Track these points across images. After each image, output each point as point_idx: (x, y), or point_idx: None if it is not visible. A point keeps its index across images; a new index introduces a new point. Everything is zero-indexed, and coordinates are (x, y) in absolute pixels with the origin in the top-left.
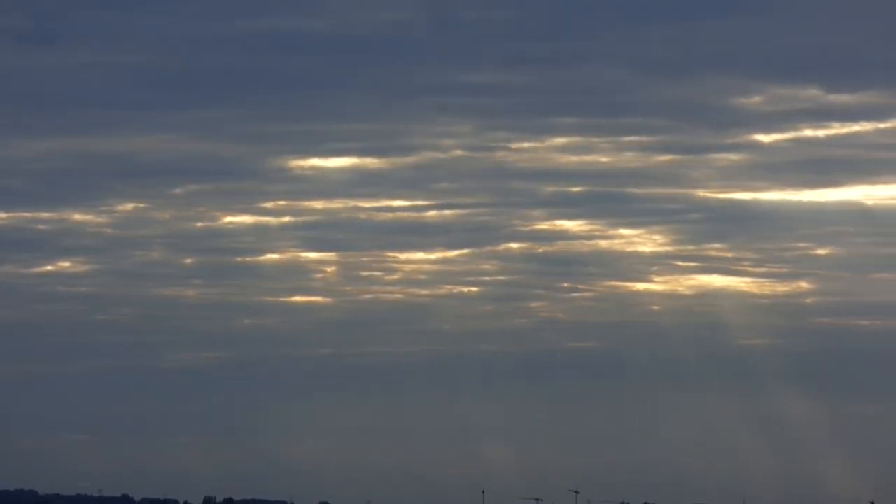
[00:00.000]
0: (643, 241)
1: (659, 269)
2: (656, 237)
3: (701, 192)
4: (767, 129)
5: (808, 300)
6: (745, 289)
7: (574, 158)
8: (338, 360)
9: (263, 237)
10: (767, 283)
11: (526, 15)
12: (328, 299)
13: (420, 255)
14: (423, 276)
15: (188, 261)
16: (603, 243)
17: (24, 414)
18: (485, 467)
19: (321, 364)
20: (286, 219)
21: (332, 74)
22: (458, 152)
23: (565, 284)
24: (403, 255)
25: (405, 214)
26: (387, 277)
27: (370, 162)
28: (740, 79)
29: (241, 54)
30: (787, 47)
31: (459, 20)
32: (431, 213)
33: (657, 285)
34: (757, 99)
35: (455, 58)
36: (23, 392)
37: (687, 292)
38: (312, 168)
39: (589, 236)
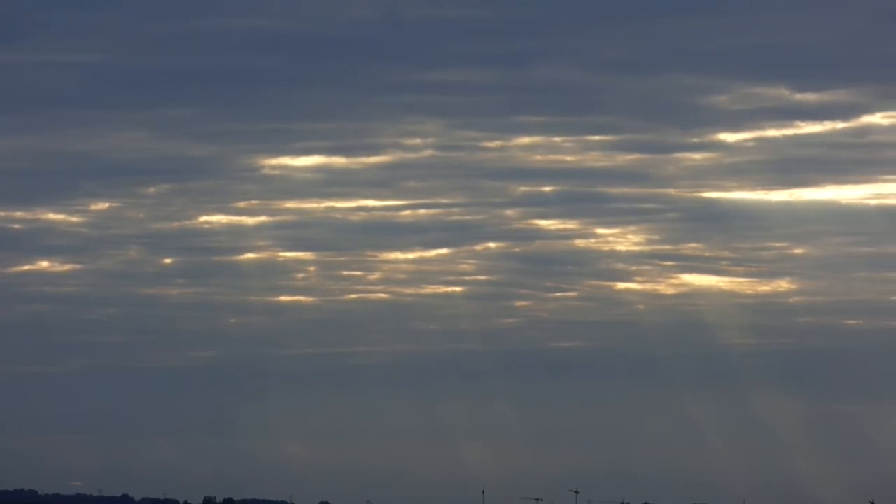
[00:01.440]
0: (619, 240)
1: (641, 268)
2: (631, 237)
3: (673, 192)
4: (735, 129)
5: (791, 300)
6: (727, 287)
7: (545, 157)
8: (334, 360)
9: (241, 237)
10: (747, 282)
11: (493, 14)
12: (313, 299)
13: (399, 255)
14: (403, 276)
15: (167, 260)
16: (580, 242)
17: (22, 414)
18: (485, 467)
19: (317, 364)
20: (262, 218)
21: (302, 73)
22: (429, 152)
23: (548, 284)
24: (382, 255)
25: (380, 214)
26: (369, 277)
27: (343, 161)
28: (709, 78)
29: (212, 53)
30: (754, 47)
31: (426, 19)
32: (406, 212)
33: (639, 284)
34: (724, 98)
35: (422, 57)
36: (21, 392)
37: (671, 291)
38: (284, 167)
39: (566, 235)
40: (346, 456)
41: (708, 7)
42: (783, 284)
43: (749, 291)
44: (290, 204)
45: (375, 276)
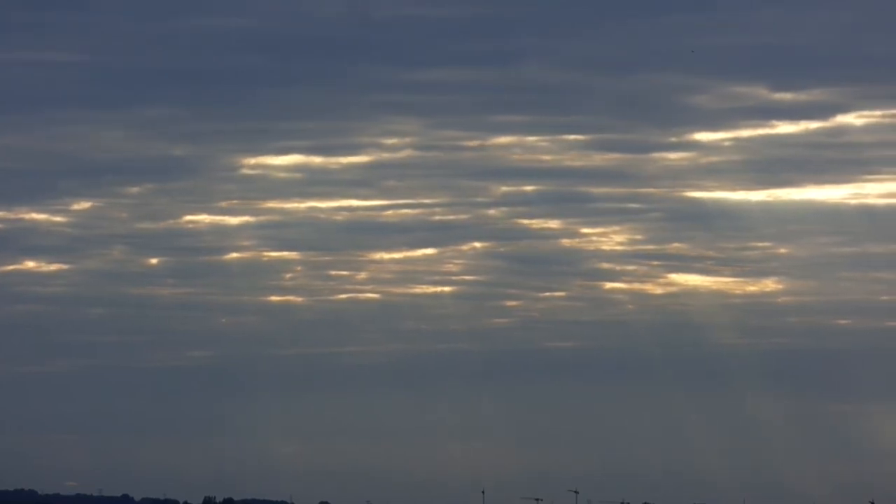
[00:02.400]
0: (603, 239)
1: (627, 268)
2: (615, 236)
3: (654, 191)
4: (713, 128)
5: (780, 299)
6: (715, 287)
7: (523, 157)
8: (331, 360)
9: (225, 236)
10: (734, 282)
11: (471, 14)
12: (303, 299)
13: (385, 255)
14: (391, 276)
15: (153, 260)
16: (566, 242)
17: (20, 414)
18: (484, 467)
19: (315, 364)
20: (245, 218)
21: (282, 73)
22: (408, 151)
23: (537, 283)
24: (368, 255)
25: (363, 214)
26: (356, 276)
27: (321, 161)
28: (687, 77)
29: (193, 54)
30: (732, 46)
31: (404, 19)
32: (389, 212)
33: (627, 284)
34: (702, 97)
35: (400, 56)
36: (19, 392)
37: (659, 291)
38: (264, 166)
39: (551, 235)
40: (345, 456)
41: (686, 7)
42: (770, 284)
43: (737, 291)
44: (272, 203)
45: (363, 275)
